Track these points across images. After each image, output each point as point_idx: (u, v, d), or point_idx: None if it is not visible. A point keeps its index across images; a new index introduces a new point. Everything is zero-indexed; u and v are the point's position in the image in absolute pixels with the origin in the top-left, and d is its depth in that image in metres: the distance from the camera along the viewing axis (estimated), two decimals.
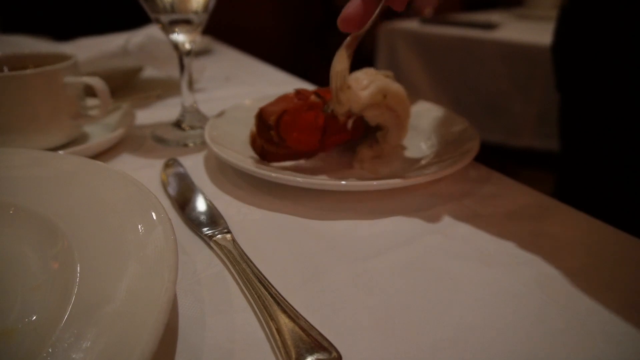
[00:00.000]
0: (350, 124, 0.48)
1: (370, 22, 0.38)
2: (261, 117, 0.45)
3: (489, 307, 0.29)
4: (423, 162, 0.48)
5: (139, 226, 0.29)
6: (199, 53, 1.09)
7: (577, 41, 0.66)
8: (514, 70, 1.48)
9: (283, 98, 0.46)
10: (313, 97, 0.46)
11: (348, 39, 0.40)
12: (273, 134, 0.44)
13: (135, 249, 0.27)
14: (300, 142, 0.45)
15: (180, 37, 0.54)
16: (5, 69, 0.52)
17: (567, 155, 0.75)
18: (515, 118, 1.49)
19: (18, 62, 0.53)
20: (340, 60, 0.41)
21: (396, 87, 0.47)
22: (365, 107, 0.45)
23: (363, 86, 0.45)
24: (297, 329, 0.26)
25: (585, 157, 0.69)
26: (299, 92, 0.47)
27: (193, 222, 0.39)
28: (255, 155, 0.48)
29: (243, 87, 0.84)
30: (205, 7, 0.52)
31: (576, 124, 0.70)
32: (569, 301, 0.30)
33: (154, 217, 0.29)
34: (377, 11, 0.37)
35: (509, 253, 0.35)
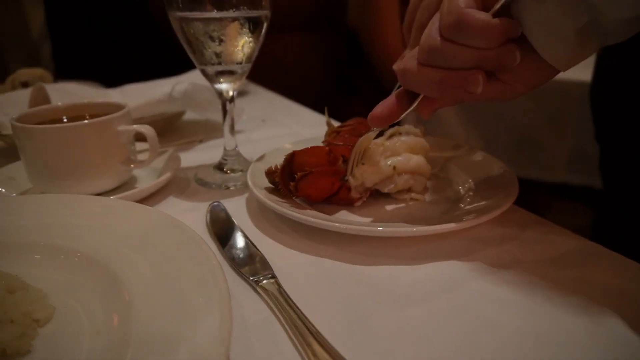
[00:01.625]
0: (359, 203, 0.50)
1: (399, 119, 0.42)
2: (292, 163, 0.48)
3: (538, 359, 0.29)
4: (462, 205, 0.48)
5: (200, 296, 0.30)
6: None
7: (615, 89, 0.66)
8: (545, 107, 1.47)
9: (317, 152, 0.49)
10: (340, 164, 0.48)
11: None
12: (292, 185, 0.47)
13: (193, 313, 0.28)
14: (309, 197, 0.49)
15: (224, 86, 0.57)
16: (65, 118, 0.56)
17: (609, 192, 0.73)
18: (550, 154, 1.47)
19: (75, 111, 0.57)
20: (365, 141, 0.47)
21: (405, 158, 0.50)
22: (377, 182, 0.49)
23: (375, 162, 0.49)
24: None
25: (628, 200, 0.67)
26: (331, 151, 0.49)
27: (239, 267, 0.40)
28: (293, 199, 0.49)
29: (279, 128, 0.87)
30: (249, 59, 0.55)
31: (618, 171, 0.70)
32: (622, 355, 0.29)
33: (214, 287, 0.30)
34: (405, 112, 0.41)
35: (555, 301, 0.35)
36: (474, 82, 0.35)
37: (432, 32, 0.36)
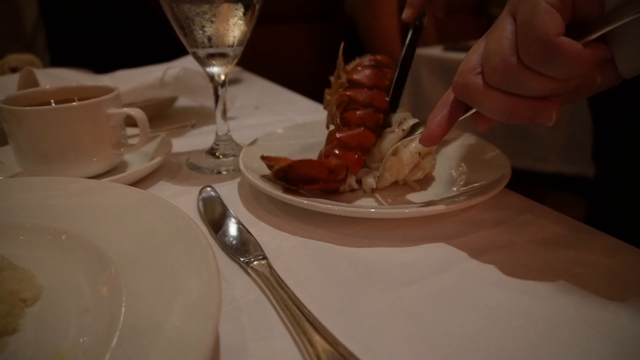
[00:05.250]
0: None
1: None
2: (287, 173, 0.44)
3: (528, 337, 0.29)
4: (454, 189, 0.48)
5: (188, 273, 0.29)
6: (229, 82, 1.13)
7: None
8: None
9: (317, 169, 0.45)
10: (341, 177, 0.46)
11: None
12: (282, 184, 0.45)
13: (181, 287, 0.28)
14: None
15: (215, 69, 0.56)
16: (53, 101, 0.55)
17: (601, 180, 0.74)
18: (543, 143, 1.47)
19: (64, 95, 0.56)
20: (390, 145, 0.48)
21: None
22: (407, 173, 0.48)
23: (400, 154, 0.48)
24: (336, 354, 0.27)
25: (620, 182, 0.68)
26: (335, 169, 0.45)
27: (230, 249, 0.40)
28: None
29: (272, 115, 0.86)
30: (241, 42, 0.54)
31: (611, 149, 0.70)
32: (613, 332, 0.29)
33: (202, 258, 0.30)
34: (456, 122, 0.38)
35: (546, 281, 0.35)
36: (548, 118, 0.32)
37: (506, 53, 0.31)
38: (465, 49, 1.83)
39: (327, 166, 0.45)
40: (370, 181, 0.47)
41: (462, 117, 0.38)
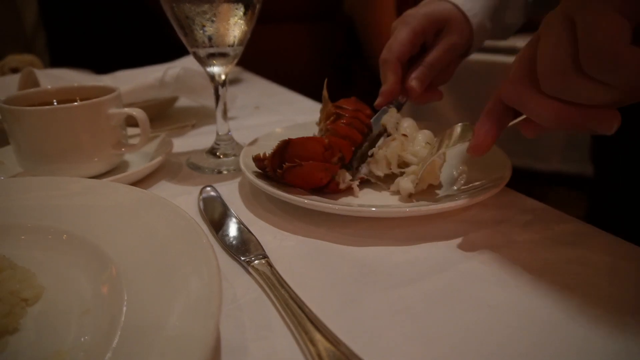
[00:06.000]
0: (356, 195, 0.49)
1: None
2: (285, 151, 0.45)
3: (530, 337, 0.29)
4: (455, 188, 0.48)
5: (189, 272, 0.29)
6: (229, 82, 1.12)
7: None
8: None
9: (313, 145, 0.46)
10: (335, 160, 0.47)
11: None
12: (279, 172, 0.45)
13: (182, 287, 0.28)
14: (295, 185, 0.47)
15: (216, 69, 0.56)
16: (55, 101, 0.55)
17: (600, 180, 0.74)
18: (543, 142, 1.47)
19: (65, 95, 0.56)
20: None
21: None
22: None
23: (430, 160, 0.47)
24: (338, 353, 0.27)
25: (619, 182, 0.68)
26: (330, 146, 0.46)
27: (231, 248, 0.40)
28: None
29: (272, 115, 0.86)
30: (242, 41, 0.54)
31: (608, 149, 0.70)
32: (615, 331, 0.29)
33: (202, 258, 0.30)
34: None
35: (548, 281, 0.35)
36: (608, 127, 0.30)
37: (564, 60, 0.29)
38: None
39: (322, 143, 0.46)
40: (409, 186, 0.46)
41: (511, 123, 0.38)
